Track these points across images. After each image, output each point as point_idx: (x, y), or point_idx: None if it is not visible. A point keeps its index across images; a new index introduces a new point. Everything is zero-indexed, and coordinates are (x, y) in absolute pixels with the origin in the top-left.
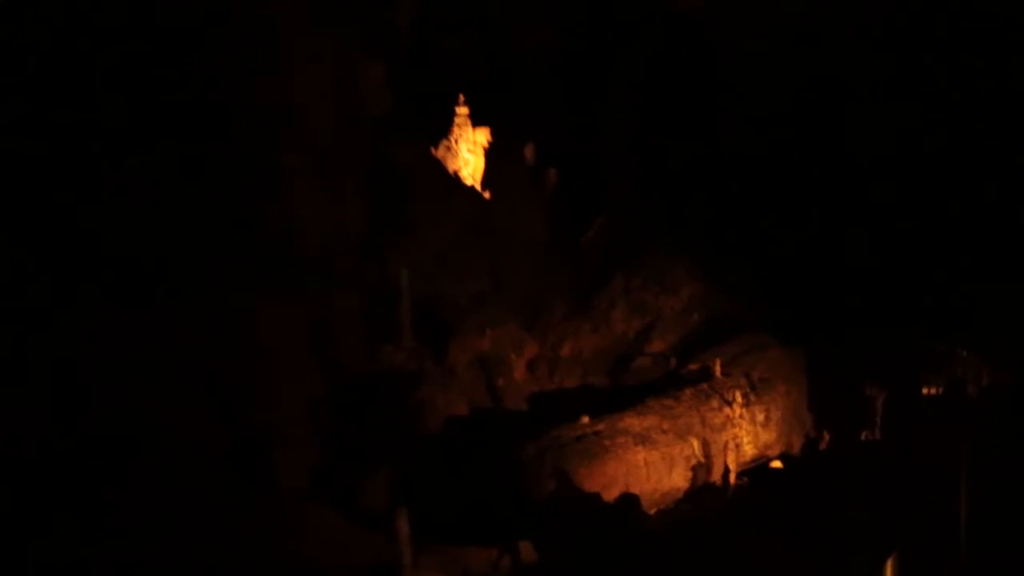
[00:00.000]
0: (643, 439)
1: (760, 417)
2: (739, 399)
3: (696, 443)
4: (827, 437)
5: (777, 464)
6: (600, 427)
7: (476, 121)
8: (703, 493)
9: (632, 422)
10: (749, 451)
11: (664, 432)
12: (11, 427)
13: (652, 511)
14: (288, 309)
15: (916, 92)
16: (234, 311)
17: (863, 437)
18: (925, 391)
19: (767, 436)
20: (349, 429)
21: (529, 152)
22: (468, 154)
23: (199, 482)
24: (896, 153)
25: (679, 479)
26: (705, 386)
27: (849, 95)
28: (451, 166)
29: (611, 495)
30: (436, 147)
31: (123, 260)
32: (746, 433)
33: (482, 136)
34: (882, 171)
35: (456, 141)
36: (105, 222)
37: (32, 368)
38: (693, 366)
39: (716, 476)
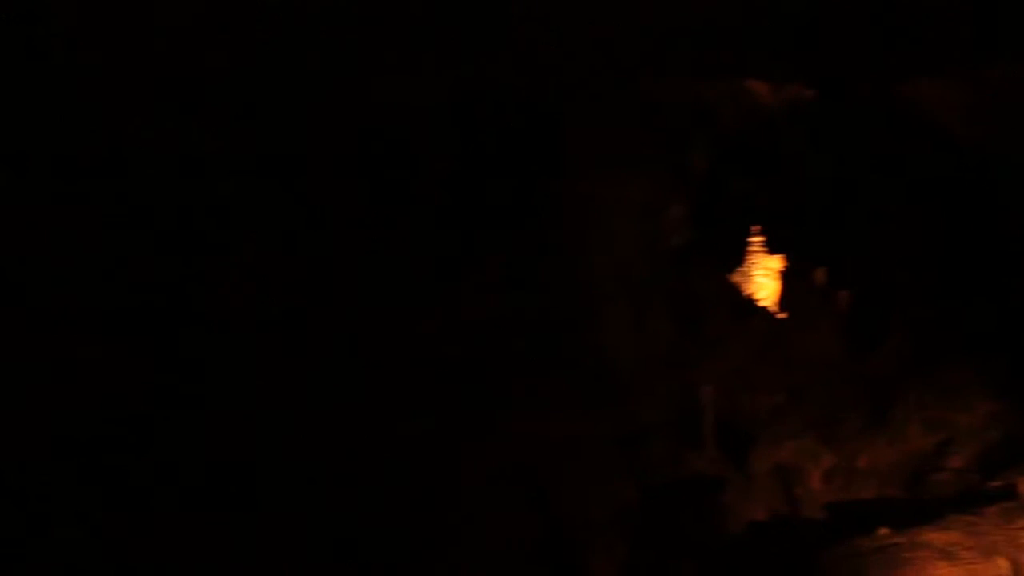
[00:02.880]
0: (946, 554)
1: None
2: None
3: (1005, 563)
4: None
5: None
6: (900, 539)
7: (770, 249)
8: None
9: (933, 536)
10: None
11: (968, 549)
12: None
13: None
14: (599, 421)
15: None
16: (549, 421)
17: None
18: None
19: None
20: (655, 530)
21: (820, 276)
22: (762, 279)
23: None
24: None
25: None
26: (1011, 504)
27: None
28: (746, 290)
29: None
30: (732, 273)
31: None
32: None
33: (776, 262)
34: None
35: (751, 267)
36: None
37: None
38: (995, 483)
39: None
